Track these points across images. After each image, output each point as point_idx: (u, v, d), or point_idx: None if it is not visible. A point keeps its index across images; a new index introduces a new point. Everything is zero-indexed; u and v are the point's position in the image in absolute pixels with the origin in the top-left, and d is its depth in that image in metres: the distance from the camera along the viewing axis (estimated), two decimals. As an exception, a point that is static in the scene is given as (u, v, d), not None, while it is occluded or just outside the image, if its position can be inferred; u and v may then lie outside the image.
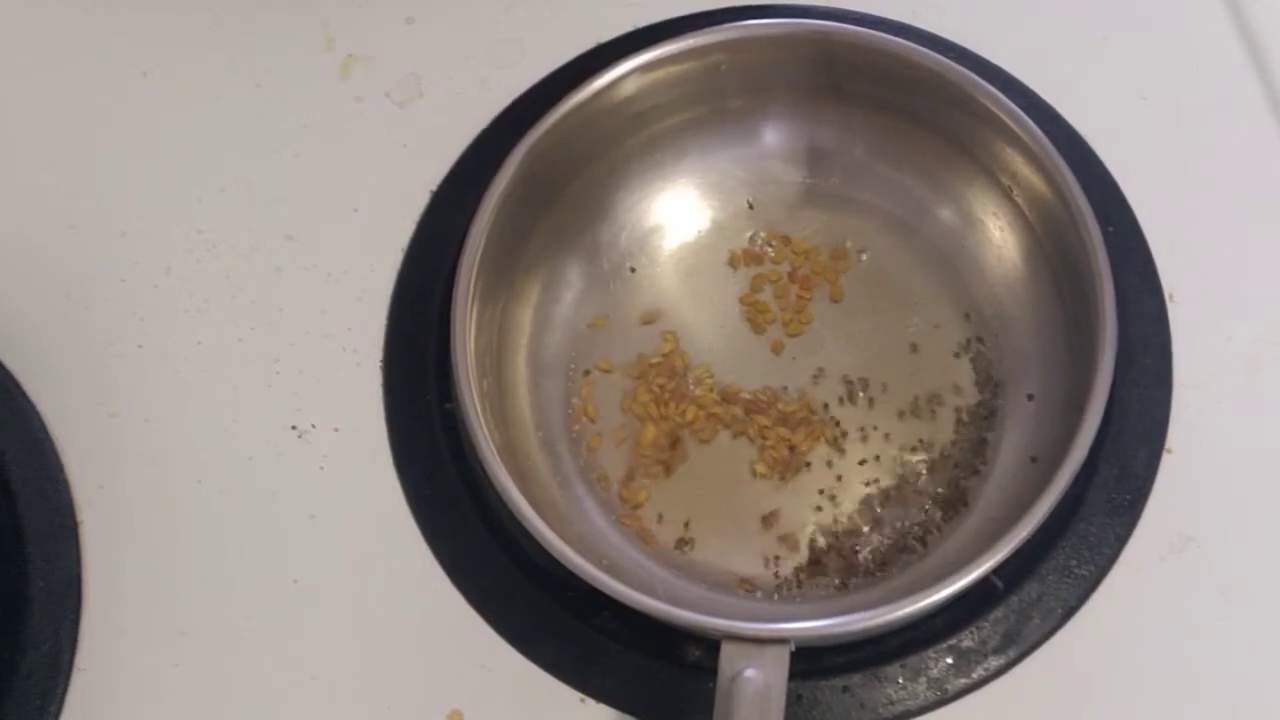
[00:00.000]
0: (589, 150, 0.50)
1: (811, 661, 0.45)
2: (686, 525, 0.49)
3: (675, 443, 0.50)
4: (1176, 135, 0.54)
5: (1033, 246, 0.49)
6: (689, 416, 0.50)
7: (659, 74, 0.50)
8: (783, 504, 0.49)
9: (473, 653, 0.47)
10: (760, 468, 0.49)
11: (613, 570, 0.42)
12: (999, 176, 0.49)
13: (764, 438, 0.50)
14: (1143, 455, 0.48)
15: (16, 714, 0.47)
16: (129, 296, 0.54)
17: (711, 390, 0.50)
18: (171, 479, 0.51)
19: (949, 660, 0.46)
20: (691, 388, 0.51)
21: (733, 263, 0.53)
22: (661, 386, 0.50)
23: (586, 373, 0.51)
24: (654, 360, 0.51)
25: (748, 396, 0.50)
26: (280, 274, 0.54)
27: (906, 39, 0.49)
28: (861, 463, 0.49)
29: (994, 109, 0.47)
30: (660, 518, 0.49)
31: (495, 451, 0.43)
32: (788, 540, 0.48)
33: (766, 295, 0.52)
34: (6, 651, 0.47)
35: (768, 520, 0.48)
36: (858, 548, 0.48)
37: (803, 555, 0.48)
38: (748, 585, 0.48)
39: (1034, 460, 0.46)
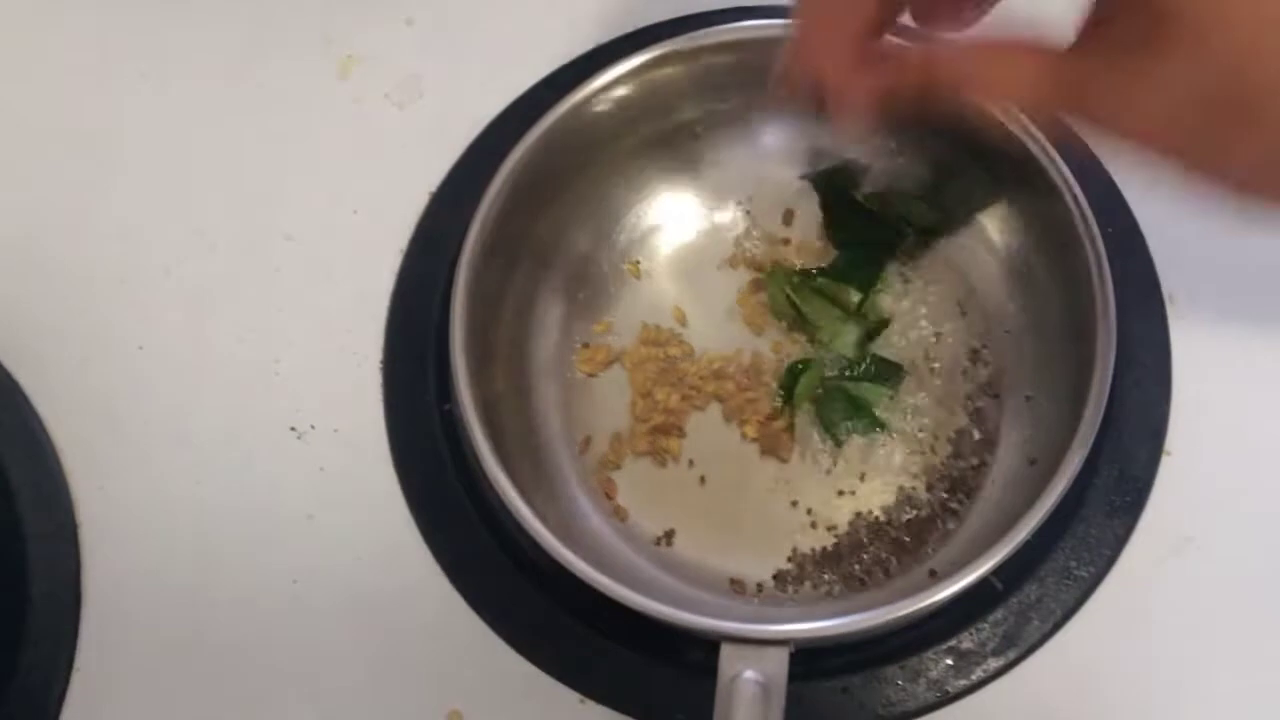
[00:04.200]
0: (588, 151, 0.50)
1: (811, 663, 0.45)
2: (674, 528, 0.49)
3: (666, 429, 0.50)
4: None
5: (1033, 247, 0.49)
6: (675, 399, 0.50)
7: (659, 74, 0.49)
8: (783, 504, 0.49)
9: (473, 653, 0.48)
10: (748, 430, 0.50)
11: (612, 571, 0.42)
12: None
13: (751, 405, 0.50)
14: (1142, 456, 0.48)
15: (16, 714, 0.47)
16: (129, 296, 0.54)
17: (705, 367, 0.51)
18: (171, 479, 0.51)
19: (948, 661, 0.46)
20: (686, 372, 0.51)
21: (732, 263, 0.53)
22: (660, 363, 0.51)
23: (585, 345, 0.51)
24: (655, 336, 0.52)
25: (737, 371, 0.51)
26: (280, 274, 0.54)
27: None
28: (863, 477, 0.49)
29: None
30: (656, 516, 0.49)
31: (494, 453, 0.43)
32: (788, 541, 0.48)
33: (766, 296, 0.52)
34: (6, 651, 0.47)
35: (768, 520, 0.48)
36: (857, 549, 0.48)
37: (803, 556, 0.48)
38: (746, 585, 0.48)
39: (1033, 462, 0.46)
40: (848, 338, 0.50)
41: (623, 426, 0.50)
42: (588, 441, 0.50)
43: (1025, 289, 0.49)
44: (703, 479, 0.50)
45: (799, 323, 0.51)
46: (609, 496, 0.49)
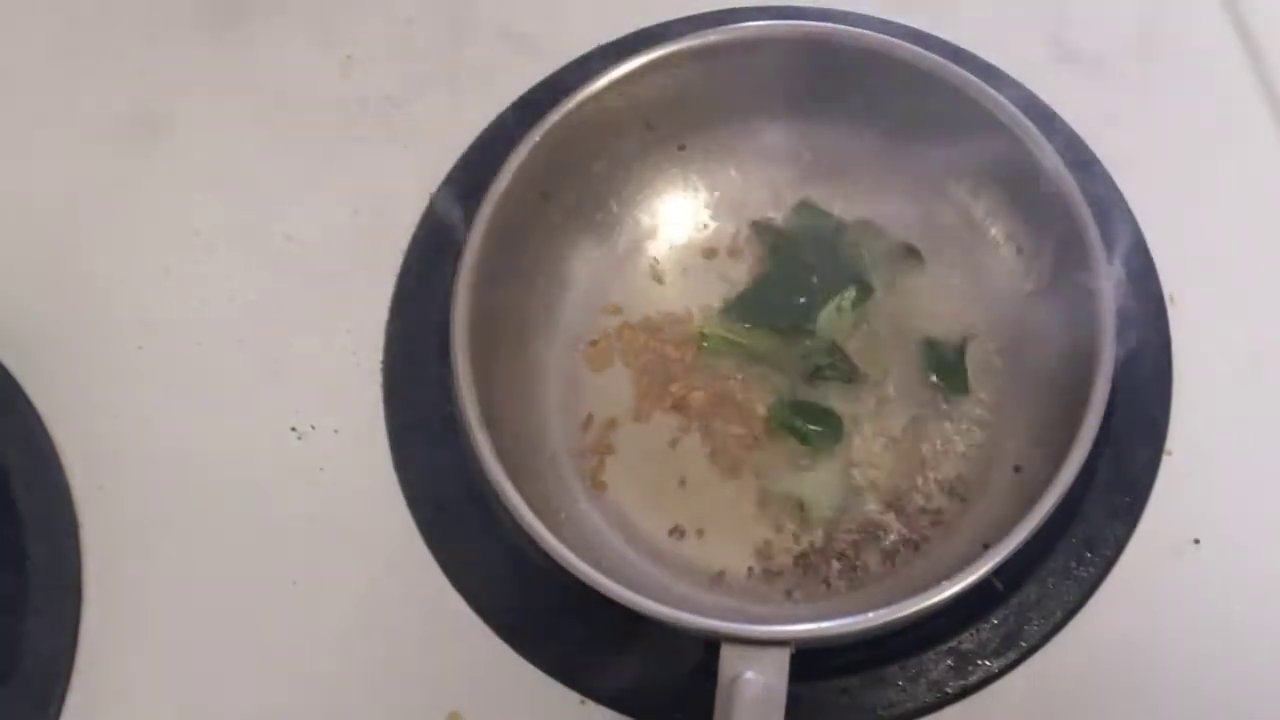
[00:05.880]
0: (589, 151, 0.50)
1: (810, 663, 0.45)
2: (676, 525, 0.49)
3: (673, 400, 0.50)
4: (1176, 136, 0.54)
5: (1032, 248, 0.49)
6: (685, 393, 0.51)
7: (659, 75, 0.50)
8: (782, 505, 0.49)
9: (473, 653, 0.47)
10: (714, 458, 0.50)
11: (612, 572, 0.42)
12: (998, 178, 0.49)
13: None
14: (1142, 457, 0.48)
15: (17, 714, 0.47)
16: (129, 296, 0.54)
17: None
18: (171, 479, 0.51)
19: (949, 662, 0.46)
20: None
21: (732, 262, 0.53)
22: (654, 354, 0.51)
23: (594, 343, 0.52)
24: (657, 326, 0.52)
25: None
26: (280, 274, 0.54)
27: (906, 41, 0.49)
28: (860, 477, 0.49)
29: (994, 111, 0.47)
30: (658, 515, 0.49)
31: (494, 454, 0.43)
32: (787, 541, 0.48)
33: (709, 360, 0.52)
34: (6, 651, 0.47)
35: (767, 519, 0.49)
36: (856, 549, 0.48)
37: (802, 557, 0.48)
38: (746, 584, 0.48)
39: (1018, 469, 0.46)
40: (803, 359, 0.50)
41: (621, 414, 0.50)
42: (590, 419, 0.50)
43: (1024, 289, 0.49)
44: (708, 478, 0.49)
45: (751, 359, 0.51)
46: (598, 481, 0.49)
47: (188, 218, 0.55)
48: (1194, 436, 0.49)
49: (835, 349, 0.50)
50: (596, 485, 0.49)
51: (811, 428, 0.49)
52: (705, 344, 0.51)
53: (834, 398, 0.50)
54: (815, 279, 0.51)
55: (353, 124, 0.57)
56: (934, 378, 0.50)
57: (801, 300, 0.51)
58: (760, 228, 0.53)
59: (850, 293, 0.50)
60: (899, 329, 0.51)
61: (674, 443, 0.50)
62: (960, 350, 0.50)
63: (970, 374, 0.50)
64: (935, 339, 0.50)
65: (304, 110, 0.57)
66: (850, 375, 0.50)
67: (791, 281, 0.51)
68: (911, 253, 0.51)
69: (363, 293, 0.53)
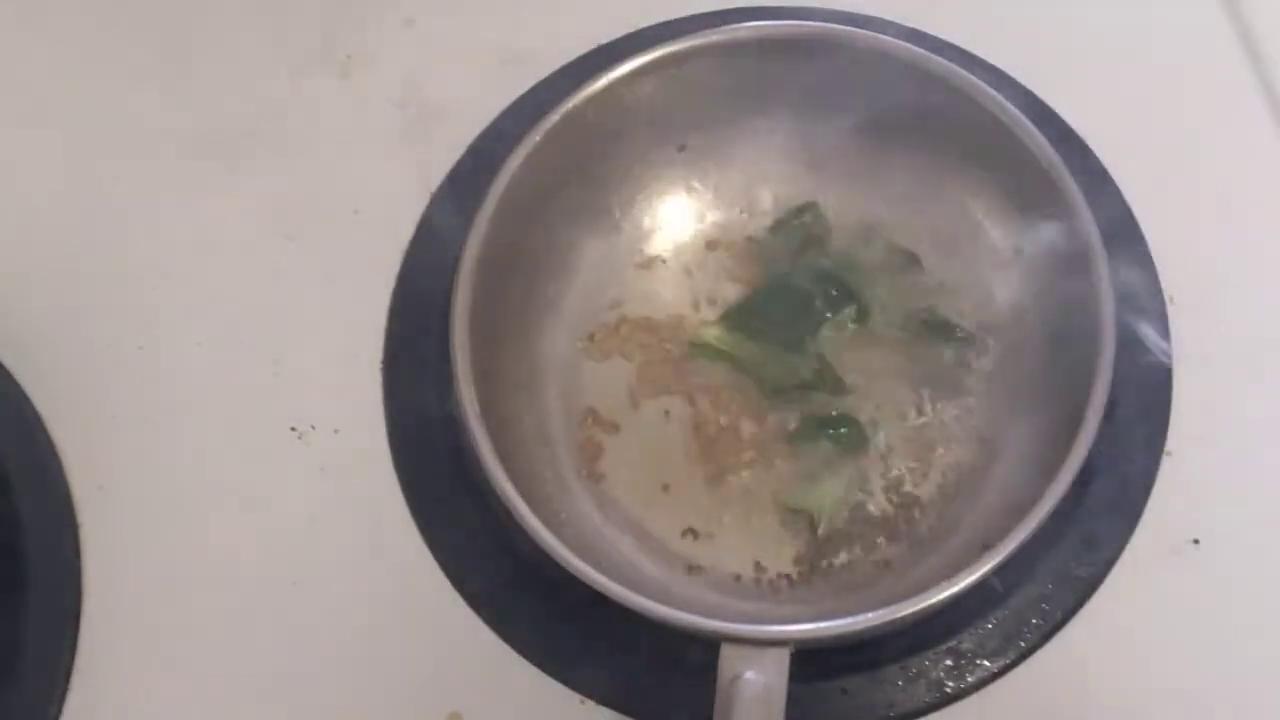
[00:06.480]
0: (589, 152, 0.50)
1: (810, 663, 0.45)
2: (685, 524, 0.49)
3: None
4: (1177, 136, 0.54)
5: (1031, 249, 0.49)
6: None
7: (659, 75, 0.50)
8: (781, 505, 0.49)
9: (472, 653, 0.47)
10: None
11: (612, 572, 0.42)
12: (998, 179, 0.49)
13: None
14: (1142, 457, 0.48)
15: (17, 714, 0.47)
16: (129, 296, 0.54)
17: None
18: (171, 479, 0.51)
19: (948, 662, 0.46)
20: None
21: (732, 263, 0.53)
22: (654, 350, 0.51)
23: (591, 337, 0.52)
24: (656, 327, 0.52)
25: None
26: (280, 274, 0.54)
27: (907, 41, 0.49)
28: (859, 476, 0.49)
29: (994, 111, 0.47)
30: (662, 516, 0.49)
31: (494, 453, 0.43)
32: (788, 542, 0.48)
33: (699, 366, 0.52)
34: (7, 651, 0.47)
35: (769, 522, 0.48)
36: (857, 550, 0.48)
37: (803, 558, 0.48)
38: (745, 584, 0.48)
39: (1024, 469, 0.46)
40: (791, 374, 0.50)
41: (620, 407, 0.51)
42: (589, 412, 0.50)
43: (1025, 290, 0.49)
44: (703, 476, 0.49)
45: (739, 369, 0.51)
46: (594, 472, 0.49)
47: (189, 217, 0.55)
48: (1194, 436, 0.49)
49: (823, 364, 0.50)
50: (594, 476, 0.49)
51: (834, 432, 0.49)
52: (696, 350, 0.51)
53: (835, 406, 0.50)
54: (812, 296, 0.51)
55: (353, 124, 0.57)
56: (945, 346, 0.50)
57: (798, 318, 0.51)
58: (755, 242, 0.53)
59: (849, 311, 0.50)
60: (897, 334, 0.51)
61: (674, 442, 0.50)
62: (929, 310, 0.50)
63: (968, 368, 0.50)
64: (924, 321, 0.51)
65: (304, 110, 0.57)
66: (837, 390, 0.50)
67: (789, 297, 0.51)
68: (910, 259, 0.51)
69: (363, 293, 0.53)
